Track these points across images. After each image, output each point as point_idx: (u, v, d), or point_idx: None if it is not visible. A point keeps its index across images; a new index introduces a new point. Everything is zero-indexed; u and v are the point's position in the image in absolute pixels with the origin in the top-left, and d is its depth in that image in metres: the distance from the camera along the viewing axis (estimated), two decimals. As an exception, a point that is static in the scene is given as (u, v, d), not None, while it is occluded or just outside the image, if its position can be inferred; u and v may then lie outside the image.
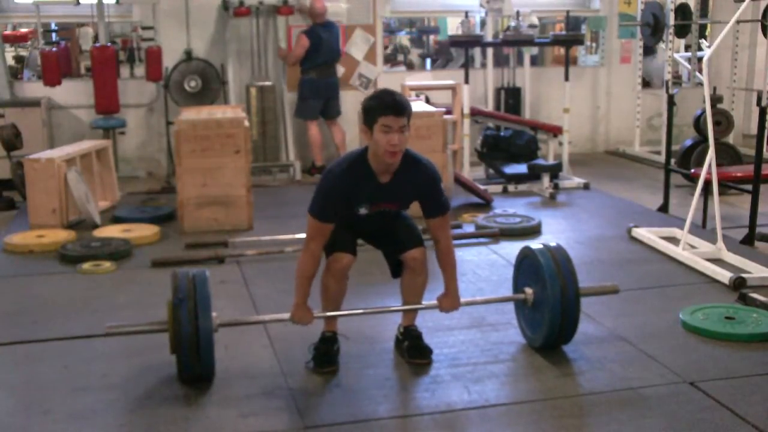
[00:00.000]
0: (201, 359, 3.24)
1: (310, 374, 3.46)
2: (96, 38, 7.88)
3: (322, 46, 7.63)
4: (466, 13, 7.94)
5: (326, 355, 3.53)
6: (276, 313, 3.58)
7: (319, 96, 7.71)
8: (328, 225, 3.32)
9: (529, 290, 3.66)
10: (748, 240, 5.35)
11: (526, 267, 3.73)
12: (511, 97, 8.80)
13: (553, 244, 3.72)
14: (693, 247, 5.14)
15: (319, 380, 3.41)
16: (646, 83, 9.52)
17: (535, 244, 3.72)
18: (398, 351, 3.68)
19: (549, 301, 3.48)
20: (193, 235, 5.67)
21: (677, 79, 8.94)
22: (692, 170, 6.31)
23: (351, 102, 8.02)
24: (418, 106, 6.59)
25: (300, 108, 7.81)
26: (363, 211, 3.36)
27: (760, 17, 6.77)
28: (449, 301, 3.54)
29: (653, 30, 7.69)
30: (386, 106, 3.17)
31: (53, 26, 9.50)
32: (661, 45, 8.17)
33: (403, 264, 3.54)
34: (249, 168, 5.98)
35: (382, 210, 3.42)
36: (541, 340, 3.61)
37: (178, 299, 3.24)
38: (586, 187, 7.25)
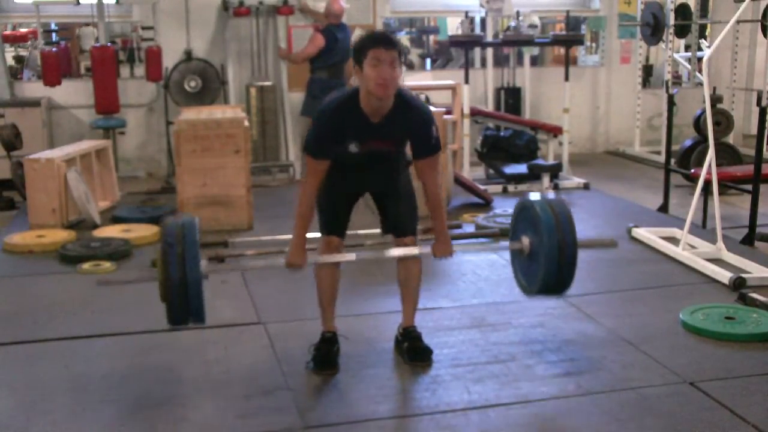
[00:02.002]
0: (190, 305, 3.19)
1: (310, 374, 3.46)
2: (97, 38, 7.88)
3: (337, 47, 7.61)
4: (466, 13, 7.94)
5: (326, 356, 3.52)
6: (272, 257, 3.56)
7: (328, 95, 7.68)
8: (323, 161, 3.34)
9: (525, 240, 3.62)
10: (748, 240, 5.35)
11: (525, 217, 3.69)
12: (511, 97, 8.80)
13: (552, 195, 3.70)
14: (693, 247, 5.14)
15: (319, 380, 3.41)
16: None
17: (534, 195, 3.71)
18: (398, 351, 3.67)
19: (546, 254, 3.44)
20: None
21: (677, 79, 8.95)
22: (692, 170, 6.31)
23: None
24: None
25: (308, 106, 7.78)
26: (354, 149, 3.33)
27: (760, 17, 6.77)
28: (442, 247, 3.50)
29: (653, 30, 7.69)
30: (375, 39, 3.21)
31: (53, 26, 9.50)
32: (661, 45, 8.17)
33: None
34: (249, 168, 5.98)
35: (374, 150, 3.37)
36: (536, 290, 3.59)
37: (167, 244, 3.20)
38: (586, 187, 7.24)
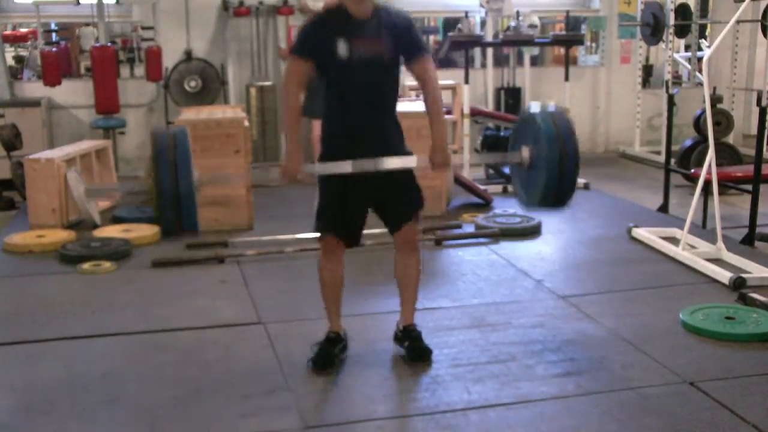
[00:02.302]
0: (182, 213, 3.13)
1: (310, 374, 3.46)
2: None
3: None
4: (466, 13, 7.93)
5: (326, 356, 3.52)
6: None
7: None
8: (304, 62, 3.39)
9: (525, 151, 3.58)
10: (748, 240, 5.35)
11: (525, 130, 3.64)
12: (511, 97, 8.80)
13: (552, 108, 3.68)
14: (693, 247, 5.14)
15: (319, 380, 3.41)
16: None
17: (535, 108, 3.69)
18: (395, 345, 3.68)
19: (546, 164, 3.40)
20: (193, 235, 5.66)
21: (677, 79, 8.94)
22: (692, 170, 6.31)
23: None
24: (418, 106, 6.58)
25: (309, 106, 7.77)
26: (343, 50, 3.29)
27: (760, 17, 6.78)
28: (439, 155, 3.42)
29: (653, 30, 7.69)
30: None
31: (53, 26, 9.50)
32: (661, 45, 8.17)
33: (395, 242, 3.52)
34: (249, 168, 5.98)
35: (365, 58, 3.31)
36: (536, 202, 3.55)
37: (158, 151, 3.14)
38: (586, 187, 7.24)
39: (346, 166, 3.34)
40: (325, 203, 3.45)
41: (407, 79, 8.13)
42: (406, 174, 3.48)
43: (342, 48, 3.30)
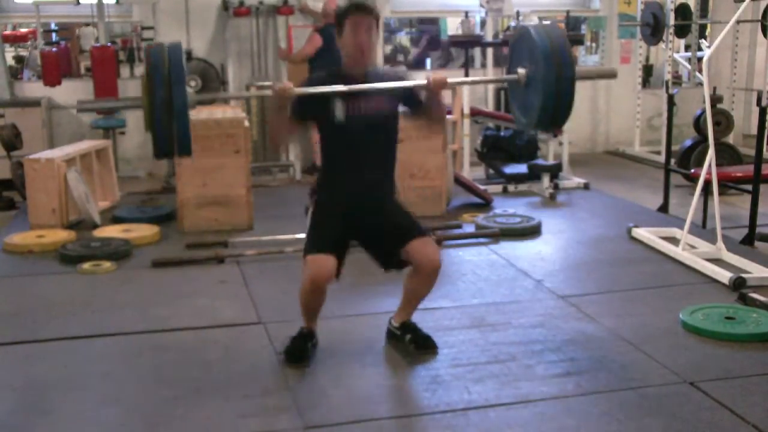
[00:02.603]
0: (177, 131, 3.08)
1: (310, 374, 3.46)
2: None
3: (334, 47, 7.60)
4: (466, 13, 7.94)
5: (299, 350, 3.53)
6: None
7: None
8: (298, 122, 3.47)
9: (521, 70, 3.56)
10: (748, 240, 5.35)
11: (521, 47, 3.62)
12: (511, 97, 8.78)
13: (548, 22, 3.68)
14: (693, 247, 5.14)
15: (319, 380, 3.40)
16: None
17: (530, 24, 3.69)
18: (392, 343, 3.69)
19: (543, 80, 3.39)
20: (193, 235, 5.67)
21: (677, 79, 8.94)
22: (692, 170, 6.31)
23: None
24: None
25: None
26: (339, 113, 3.35)
27: (760, 17, 6.78)
28: (435, 74, 3.45)
29: (653, 30, 7.70)
30: (354, 6, 3.39)
31: (53, 26, 9.50)
32: (661, 45, 8.17)
33: (413, 263, 3.45)
34: (249, 168, 5.98)
35: (363, 117, 3.37)
36: (534, 121, 3.53)
37: (152, 67, 3.11)
38: (586, 187, 7.24)
39: (338, 89, 3.38)
40: (320, 232, 3.45)
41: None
42: (401, 206, 3.59)
43: (339, 109, 3.36)
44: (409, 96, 3.47)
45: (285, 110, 3.35)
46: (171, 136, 3.10)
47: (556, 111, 3.46)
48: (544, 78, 3.38)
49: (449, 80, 3.45)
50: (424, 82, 3.40)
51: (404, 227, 3.49)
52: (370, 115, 3.40)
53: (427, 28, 11.64)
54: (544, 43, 3.42)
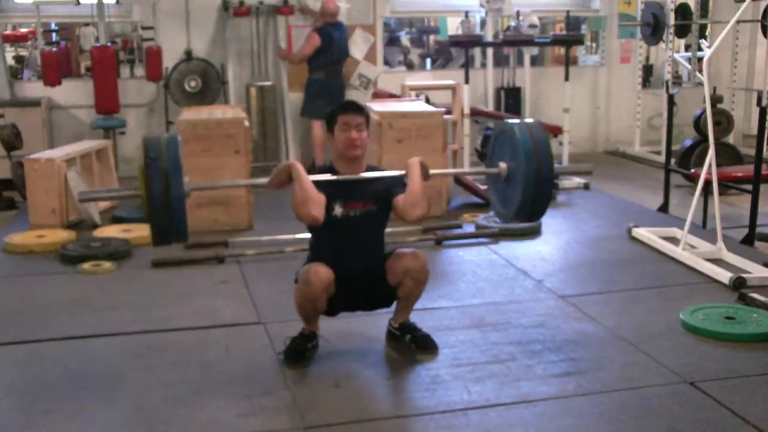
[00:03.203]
0: (174, 220, 3.20)
1: (310, 374, 3.46)
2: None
3: (333, 46, 7.62)
4: (466, 13, 7.93)
5: (297, 350, 3.54)
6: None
7: (327, 96, 7.70)
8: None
9: (503, 164, 3.70)
10: (748, 240, 5.35)
11: (503, 142, 3.76)
12: (511, 97, 8.79)
13: (530, 120, 3.79)
14: (693, 247, 5.14)
15: (319, 380, 3.41)
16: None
17: (513, 121, 3.80)
18: (392, 344, 3.70)
19: (523, 177, 3.53)
20: (193, 235, 5.62)
21: (677, 79, 8.94)
22: (692, 170, 6.31)
23: (351, 102, 8.01)
24: (418, 106, 6.60)
25: (307, 107, 7.79)
26: (338, 210, 3.44)
27: (760, 17, 6.77)
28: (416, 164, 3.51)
29: (653, 30, 7.68)
30: (344, 107, 3.55)
31: (53, 26, 9.50)
32: (661, 45, 8.17)
33: (404, 271, 3.48)
34: (249, 168, 5.98)
35: (359, 213, 3.48)
36: (512, 215, 3.69)
37: (150, 159, 3.20)
38: (586, 187, 7.24)
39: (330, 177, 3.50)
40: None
41: (407, 79, 8.17)
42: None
43: (337, 208, 3.46)
44: (395, 184, 3.52)
45: (302, 181, 3.35)
46: (169, 224, 3.22)
47: (534, 207, 3.65)
48: (524, 177, 3.55)
49: (431, 171, 3.55)
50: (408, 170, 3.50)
51: (381, 276, 3.54)
52: (363, 214, 3.51)
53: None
54: (526, 141, 3.57)
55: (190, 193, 3.32)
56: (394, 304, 3.63)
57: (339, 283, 3.43)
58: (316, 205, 3.33)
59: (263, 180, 3.59)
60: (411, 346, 3.62)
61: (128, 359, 3.66)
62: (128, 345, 3.82)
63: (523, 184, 3.54)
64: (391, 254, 3.56)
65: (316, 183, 3.39)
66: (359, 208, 3.50)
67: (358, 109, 3.53)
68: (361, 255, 3.52)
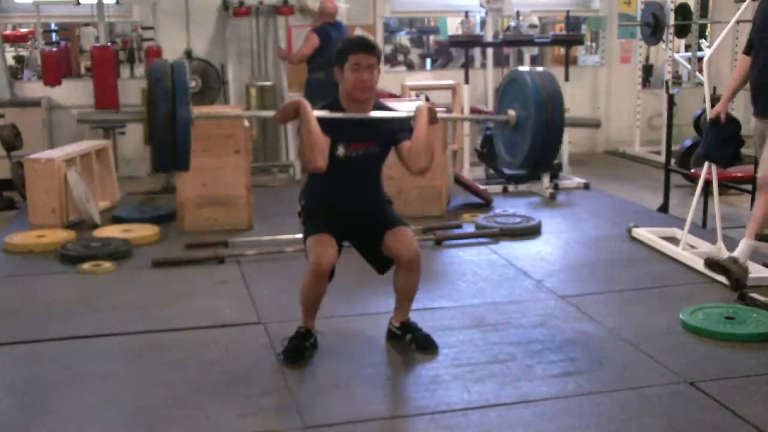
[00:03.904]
0: (177, 147, 3.09)
1: (310, 374, 3.46)
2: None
3: (332, 46, 7.61)
4: (466, 13, 7.94)
5: (296, 350, 3.54)
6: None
7: (326, 96, 7.68)
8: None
9: (512, 112, 3.65)
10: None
11: (513, 90, 3.70)
12: (511, 97, 8.78)
13: (541, 69, 3.77)
14: (693, 247, 5.14)
15: (319, 380, 3.41)
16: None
17: (524, 69, 3.76)
18: (392, 343, 3.70)
19: (533, 126, 3.47)
20: (193, 235, 5.67)
21: (677, 79, 8.94)
22: (692, 170, 6.31)
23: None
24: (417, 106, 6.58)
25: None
26: (341, 150, 3.38)
27: (760, 17, 6.76)
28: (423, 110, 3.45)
29: (653, 30, 7.71)
30: (356, 45, 3.38)
31: (53, 26, 9.50)
32: (661, 45, 8.17)
33: (393, 256, 3.49)
34: (249, 168, 5.98)
35: (360, 153, 3.42)
36: (519, 164, 3.63)
37: (155, 79, 3.08)
38: (586, 187, 7.25)
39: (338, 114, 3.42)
40: (313, 222, 3.50)
41: (407, 79, 8.17)
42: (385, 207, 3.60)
43: (340, 149, 3.39)
44: (402, 128, 3.47)
45: (309, 121, 3.29)
46: (171, 151, 3.11)
47: (542, 157, 3.60)
48: (534, 125, 3.48)
49: (439, 116, 3.50)
50: (414, 112, 3.45)
51: (382, 221, 3.52)
52: (365, 154, 3.46)
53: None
54: (537, 90, 3.51)
55: (194, 121, 3.22)
56: (394, 307, 3.64)
57: (335, 216, 3.44)
58: (321, 153, 3.26)
59: (270, 112, 3.52)
60: (411, 345, 3.63)
61: (128, 359, 3.66)
62: (128, 345, 3.82)
63: (532, 133, 3.47)
64: (392, 226, 3.48)
65: (322, 121, 3.30)
66: (362, 148, 3.43)
67: (371, 48, 3.37)
68: (359, 193, 3.50)
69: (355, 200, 3.50)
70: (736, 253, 4.36)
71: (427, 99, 7.51)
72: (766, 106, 4.56)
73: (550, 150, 3.59)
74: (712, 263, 4.26)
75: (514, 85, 3.67)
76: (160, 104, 3.03)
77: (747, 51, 4.69)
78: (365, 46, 3.35)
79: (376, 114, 3.46)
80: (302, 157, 3.29)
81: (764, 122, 4.50)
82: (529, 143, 3.49)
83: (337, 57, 3.41)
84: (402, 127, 3.45)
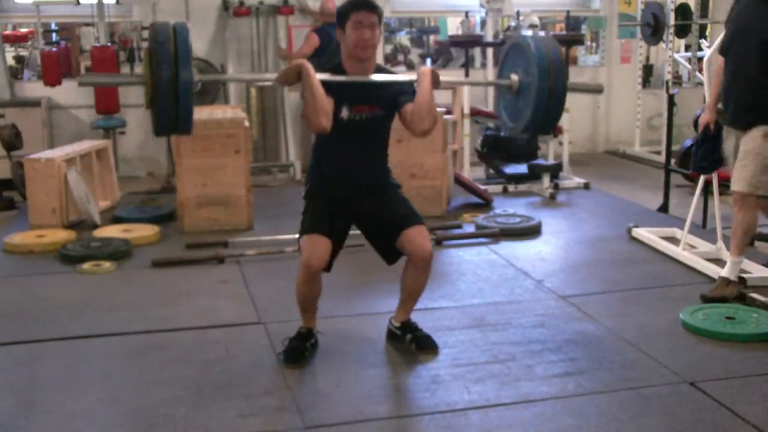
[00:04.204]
0: (179, 110, 3.07)
1: (310, 374, 3.46)
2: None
3: (332, 46, 7.62)
4: (466, 13, 7.94)
5: (296, 350, 3.54)
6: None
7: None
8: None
9: (514, 77, 3.67)
10: (748, 240, 5.34)
11: (515, 55, 3.72)
12: (511, 97, 8.78)
13: (543, 34, 3.76)
14: (693, 247, 5.14)
15: (319, 380, 3.41)
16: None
17: (527, 34, 3.76)
18: (392, 343, 3.70)
19: (535, 92, 3.49)
20: (193, 235, 5.67)
21: (677, 79, 8.94)
22: (692, 170, 6.30)
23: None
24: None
25: None
26: (345, 112, 3.37)
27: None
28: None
29: (653, 30, 7.71)
30: (357, 4, 3.36)
31: (53, 26, 9.50)
32: (662, 45, 8.17)
33: (405, 253, 3.48)
34: (249, 168, 5.98)
35: (364, 117, 3.41)
36: (521, 128, 3.65)
37: (158, 43, 3.06)
38: (586, 187, 7.25)
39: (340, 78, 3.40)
40: (315, 216, 3.47)
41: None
42: (396, 193, 3.57)
43: (344, 111, 3.38)
44: (404, 91, 3.45)
45: (312, 84, 3.25)
46: (173, 114, 3.09)
47: (545, 121, 3.59)
48: (537, 88, 3.49)
49: (441, 78, 3.46)
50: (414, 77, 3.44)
51: (398, 217, 3.50)
52: (370, 117, 3.43)
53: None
54: (541, 55, 3.51)
55: (198, 83, 3.22)
56: (395, 306, 3.64)
57: (339, 200, 3.43)
58: (325, 115, 3.25)
59: (272, 75, 3.51)
60: (411, 346, 3.63)
61: (128, 359, 3.66)
62: (128, 345, 3.82)
63: (535, 99, 3.49)
64: (409, 225, 3.46)
65: (324, 84, 3.29)
66: (366, 111, 3.41)
67: (372, 6, 3.38)
68: (365, 159, 3.48)
69: (361, 171, 3.47)
70: (725, 273, 4.31)
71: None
72: (738, 116, 4.25)
73: (553, 115, 3.60)
74: (709, 299, 4.20)
75: (517, 50, 3.67)
76: (163, 67, 3.03)
77: (723, 52, 4.40)
78: (367, 5, 3.36)
79: (378, 77, 3.46)
80: (306, 118, 3.29)
81: (736, 133, 4.28)
82: (532, 109, 3.51)
83: (338, 18, 3.41)
84: (404, 90, 3.44)
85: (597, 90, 3.98)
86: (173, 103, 3.06)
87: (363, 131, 3.44)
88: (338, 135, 3.36)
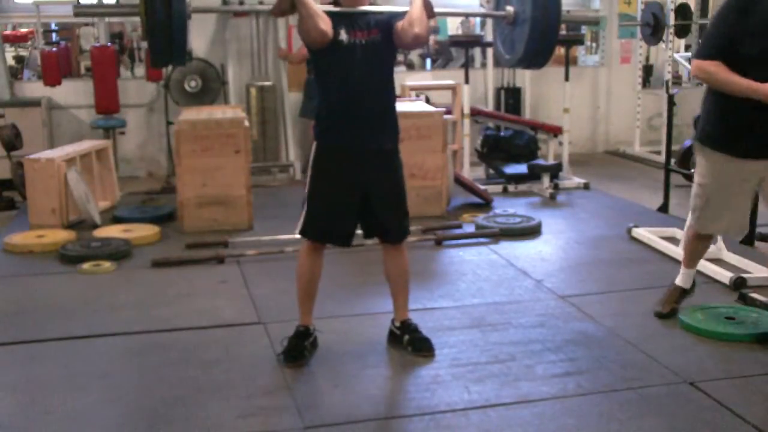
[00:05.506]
0: (173, 40, 3.12)
1: (310, 374, 3.46)
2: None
3: None
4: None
5: (296, 350, 3.55)
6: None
7: None
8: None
9: (510, 8, 3.72)
10: (748, 240, 5.35)
11: None
12: (511, 97, 8.80)
13: None
14: (693, 247, 5.13)
15: (319, 380, 3.41)
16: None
17: None
18: (392, 344, 3.70)
19: (530, 22, 3.53)
20: (193, 235, 5.67)
21: (677, 79, 8.94)
22: (692, 170, 6.30)
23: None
24: (418, 106, 6.59)
25: (306, 107, 7.79)
26: (344, 35, 3.38)
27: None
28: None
29: (653, 30, 7.71)
30: None
31: (53, 26, 9.50)
32: (661, 45, 8.17)
33: (383, 247, 3.59)
34: (249, 168, 5.98)
35: (364, 42, 3.41)
36: (516, 60, 3.71)
37: None
38: (586, 187, 7.25)
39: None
40: (314, 205, 3.48)
41: (407, 79, 8.17)
42: (398, 185, 3.56)
43: (343, 35, 3.39)
44: (398, 17, 3.46)
45: (306, 2, 3.28)
46: (168, 44, 3.12)
47: (540, 51, 3.63)
48: (531, 21, 3.53)
49: (435, 10, 3.50)
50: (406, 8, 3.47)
51: (387, 226, 3.55)
52: (369, 42, 3.43)
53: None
54: None
55: (192, 13, 3.23)
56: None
57: (348, 168, 3.45)
58: (323, 20, 3.28)
59: (267, 8, 3.49)
60: (408, 347, 3.62)
61: (128, 359, 3.66)
62: (128, 345, 3.82)
63: (529, 29, 3.53)
64: (388, 240, 3.58)
65: None
66: (364, 36, 3.42)
67: None
68: (371, 88, 3.46)
69: (365, 99, 3.45)
70: (678, 282, 4.15)
71: (428, 99, 7.52)
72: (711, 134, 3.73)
73: (548, 46, 3.65)
74: (662, 315, 4.07)
75: None
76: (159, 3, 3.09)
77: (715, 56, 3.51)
78: None
79: (371, 7, 3.50)
80: (305, 27, 3.29)
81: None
82: (527, 39, 3.57)
83: None
84: (398, 16, 3.46)
85: (594, 22, 4.06)
86: (168, 33, 3.11)
87: (364, 57, 3.42)
88: (341, 62, 3.38)
